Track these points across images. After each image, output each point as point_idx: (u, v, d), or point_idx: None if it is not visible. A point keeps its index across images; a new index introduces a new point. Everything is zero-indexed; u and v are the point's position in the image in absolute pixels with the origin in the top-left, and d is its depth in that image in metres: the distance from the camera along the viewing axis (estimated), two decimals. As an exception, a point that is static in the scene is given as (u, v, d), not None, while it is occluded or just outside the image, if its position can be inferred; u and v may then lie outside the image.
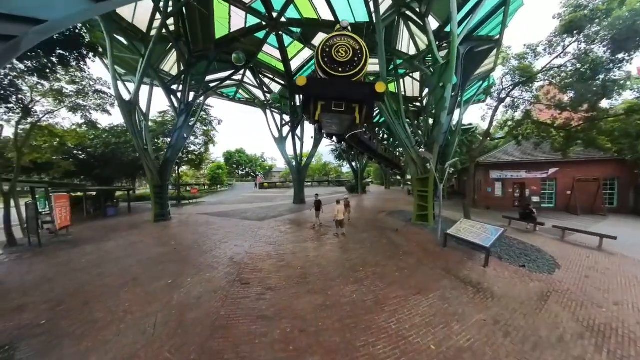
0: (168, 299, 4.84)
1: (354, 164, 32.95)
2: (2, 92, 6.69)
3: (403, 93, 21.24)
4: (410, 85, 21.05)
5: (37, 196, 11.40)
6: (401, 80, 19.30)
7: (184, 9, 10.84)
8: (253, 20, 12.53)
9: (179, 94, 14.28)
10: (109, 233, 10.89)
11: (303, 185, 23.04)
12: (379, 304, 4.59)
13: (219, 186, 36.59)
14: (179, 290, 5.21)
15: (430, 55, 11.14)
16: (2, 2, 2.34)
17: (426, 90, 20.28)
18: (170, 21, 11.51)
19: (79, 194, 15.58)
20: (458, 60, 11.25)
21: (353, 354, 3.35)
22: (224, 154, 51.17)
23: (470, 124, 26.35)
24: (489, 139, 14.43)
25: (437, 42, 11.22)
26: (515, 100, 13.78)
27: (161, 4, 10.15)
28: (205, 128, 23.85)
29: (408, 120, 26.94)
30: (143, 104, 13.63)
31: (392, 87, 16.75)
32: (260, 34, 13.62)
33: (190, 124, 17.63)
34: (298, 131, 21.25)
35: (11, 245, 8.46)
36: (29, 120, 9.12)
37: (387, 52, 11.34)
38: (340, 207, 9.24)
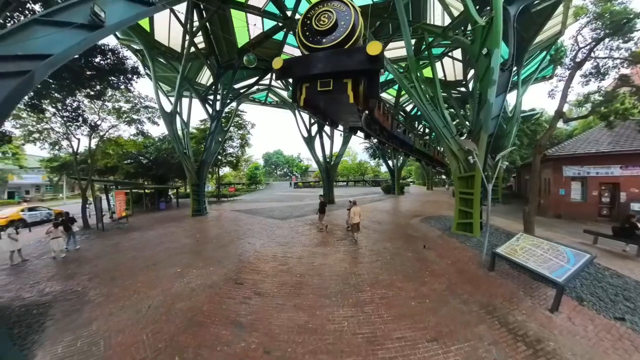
0: (170, 286, 5.59)
1: (390, 162, 31.25)
2: (72, 114, 9.11)
3: (442, 77, 19.15)
4: (451, 67, 18.71)
5: (101, 192, 14.94)
6: (438, 63, 17.41)
7: (207, 25, 12.41)
8: (270, 24, 13.40)
9: (214, 103, 16.40)
10: (154, 223, 13.35)
11: (332, 185, 23.08)
12: (373, 345, 3.50)
13: (257, 185, 40.11)
14: (182, 279, 5.93)
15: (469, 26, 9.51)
16: (17, 44, 3.32)
17: (472, 72, 17.72)
18: (201, 39, 13.36)
19: (140, 190, 19.57)
20: (507, 24, 8.89)
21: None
22: (263, 156, 55.78)
23: (533, 110, 21.87)
24: (562, 120, 10.32)
25: (477, 7, 9.24)
26: (602, 63, 9.72)
27: (188, 25, 11.92)
28: (240, 132, 26.48)
29: (449, 108, 24.20)
30: (186, 114, 16.23)
31: (427, 72, 15.34)
32: (279, 36, 14.42)
33: (225, 129, 20.08)
34: (328, 130, 21.46)
35: (85, 228, 11.48)
36: (101, 134, 12.04)
37: (414, 28, 10.12)
38: (356, 209, 8.70)
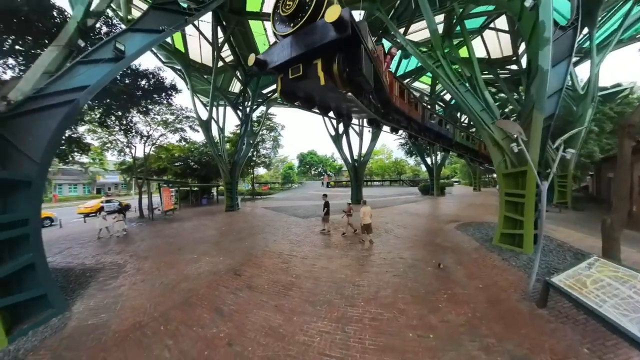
0: (183, 269, 6.61)
1: (429, 159, 28.83)
2: (127, 127, 11.55)
3: (485, 56, 16.80)
4: (495, 42, 15.89)
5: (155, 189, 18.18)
6: (478, 40, 15.38)
7: (231, 38, 13.92)
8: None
9: (243, 109, 18.20)
10: (193, 216, 15.59)
11: (361, 184, 22.46)
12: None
13: (290, 184, 42.30)
14: (195, 265, 6.89)
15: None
16: (67, 80, 4.62)
17: (523, 47, 14.93)
18: (229, 52, 15.05)
19: (187, 188, 22.96)
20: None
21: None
22: (297, 156, 58.37)
23: (618, 85, 17.30)
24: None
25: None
26: None
27: (214, 42, 13.58)
28: (272, 134, 28.44)
29: (497, 92, 20.93)
30: (221, 121, 18.45)
31: (463, 52, 13.83)
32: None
33: (256, 131, 21.94)
34: (357, 127, 20.91)
35: (140, 217, 14.29)
36: (153, 142, 14.79)
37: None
38: (366, 209, 8.18)
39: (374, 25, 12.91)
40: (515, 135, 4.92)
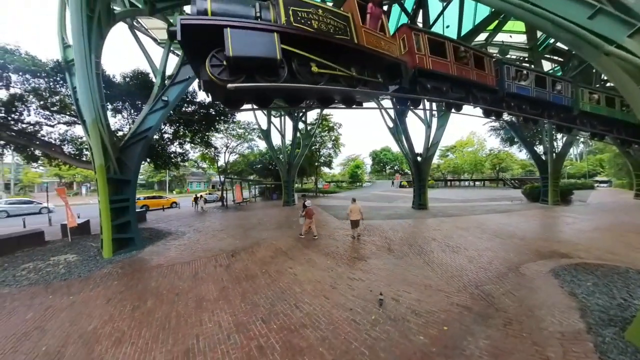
0: (211, 242, 9.64)
1: (542, 148, 19.95)
2: (207, 143, 17.06)
3: None
4: None
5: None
6: None
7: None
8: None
9: (295, 115, 21.57)
10: (256, 208, 20.24)
11: (425, 185, 18.77)
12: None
13: (357, 184, 43.03)
14: (220, 241, 9.66)
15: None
16: (143, 125, 8.65)
17: None
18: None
19: (263, 185, 29.20)
20: None
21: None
22: (370, 154, 57.53)
23: None
24: None
25: None
26: None
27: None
28: (333, 134, 30.63)
29: None
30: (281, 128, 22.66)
31: None
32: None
33: (311, 133, 24.85)
34: (421, 113, 17.97)
35: (222, 206, 20.14)
36: (232, 150, 20.66)
37: None
38: (355, 206, 8.85)
39: None
40: None
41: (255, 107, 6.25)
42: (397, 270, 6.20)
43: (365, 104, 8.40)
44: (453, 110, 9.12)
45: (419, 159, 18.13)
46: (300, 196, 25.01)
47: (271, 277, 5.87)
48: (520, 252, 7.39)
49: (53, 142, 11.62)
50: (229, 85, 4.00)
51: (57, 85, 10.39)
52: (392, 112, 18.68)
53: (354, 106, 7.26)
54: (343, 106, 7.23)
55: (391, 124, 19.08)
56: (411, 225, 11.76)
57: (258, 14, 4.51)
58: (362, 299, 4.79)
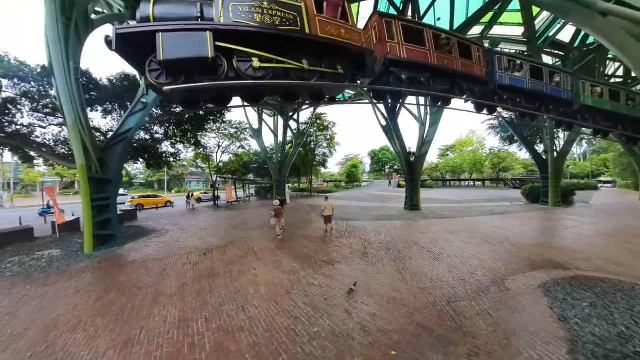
0: (191, 240, 10.16)
1: (542, 146, 19.63)
2: (196, 142, 17.50)
3: None
4: None
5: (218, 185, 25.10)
6: None
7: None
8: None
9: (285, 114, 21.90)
10: (247, 207, 20.65)
11: (417, 185, 18.66)
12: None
13: (354, 183, 43.17)
14: (198, 240, 10.23)
15: None
16: (123, 127, 9.08)
17: None
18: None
19: (259, 185, 29.68)
20: None
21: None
22: (369, 153, 57.54)
23: None
24: None
25: None
26: None
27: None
28: (325, 133, 30.82)
29: None
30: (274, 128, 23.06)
31: None
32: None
33: (304, 133, 25.16)
34: (416, 110, 17.71)
35: (213, 205, 20.64)
36: (224, 150, 21.11)
37: None
38: (328, 204, 9.95)
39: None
40: None
41: (212, 106, 6.35)
42: (363, 277, 5.75)
43: (361, 100, 8.06)
44: (440, 103, 8.84)
45: (411, 158, 17.95)
46: (291, 196, 25.47)
47: (232, 277, 6.16)
48: (510, 261, 6.69)
49: (47, 143, 12.21)
50: (164, 88, 4.23)
51: (48, 89, 10.95)
52: (385, 111, 18.22)
53: (323, 102, 7.06)
54: (309, 102, 7.03)
55: (384, 122, 18.68)
56: (397, 228, 11.26)
57: (199, 14, 4.57)
58: (312, 307, 4.52)
